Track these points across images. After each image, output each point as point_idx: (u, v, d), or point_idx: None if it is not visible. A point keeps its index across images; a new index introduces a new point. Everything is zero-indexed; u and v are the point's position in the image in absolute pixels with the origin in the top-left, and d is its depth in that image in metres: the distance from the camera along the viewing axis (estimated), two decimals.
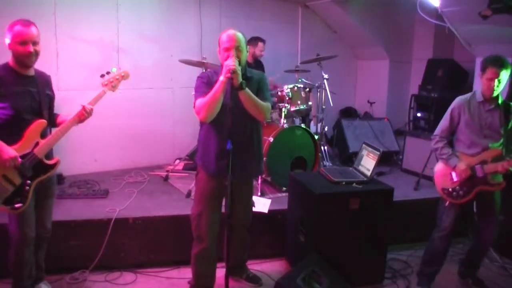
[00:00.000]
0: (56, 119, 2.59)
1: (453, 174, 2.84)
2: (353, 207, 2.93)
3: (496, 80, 2.70)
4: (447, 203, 2.86)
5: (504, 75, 2.70)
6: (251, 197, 2.92)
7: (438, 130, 2.96)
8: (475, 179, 2.77)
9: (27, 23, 2.32)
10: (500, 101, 2.82)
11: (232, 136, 2.31)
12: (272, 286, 2.87)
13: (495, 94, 2.76)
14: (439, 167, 2.97)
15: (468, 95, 2.91)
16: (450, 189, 2.85)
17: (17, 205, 2.31)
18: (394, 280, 3.16)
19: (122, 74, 2.59)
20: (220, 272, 2.80)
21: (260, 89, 2.64)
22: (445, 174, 2.89)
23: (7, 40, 2.31)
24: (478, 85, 4.55)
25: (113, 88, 2.57)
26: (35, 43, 2.33)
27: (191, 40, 4.91)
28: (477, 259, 3.09)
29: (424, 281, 3.00)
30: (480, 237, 3.01)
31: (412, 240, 3.65)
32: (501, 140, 2.82)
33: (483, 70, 2.77)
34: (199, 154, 2.71)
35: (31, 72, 2.43)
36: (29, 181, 2.35)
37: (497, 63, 2.70)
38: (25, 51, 2.29)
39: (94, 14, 4.26)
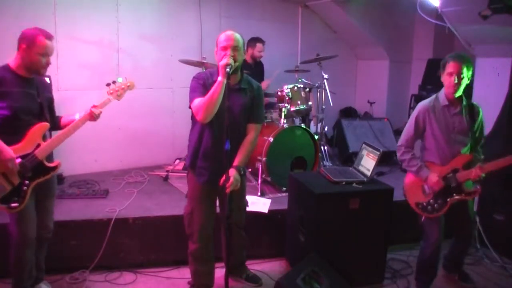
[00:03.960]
0: (60, 122, 2.60)
1: (425, 187, 2.71)
2: (353, 207, 2.93)
3: (455, 76, 2.54)
4: (423, 218, 2.72)
5: (465, 72, 2.55)
6: (244, 197, 2.90)
7: (402, 140, 2.80)
8: (450, 190, 2.65)
9: (50, 36, 2.34)
10: (464, 103, 2.68)
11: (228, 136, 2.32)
12: (272, 286, 2.86)
13: (457, 94, 2.60)
14: (409, 179, 2.83)
15: (430, 99, 2.73)
16: (424, 203, 2.71)
17: (13, 204, 2.31)
18: (394, 280, 3.16)
19: (128, 84, 2.65)
20: (220, 272, 2.81)
21: (254, 106, 2.65)
22: (417, 187, 2.75)
23: (23, 46, 2.28)
24: (478, 85, 4.62)
25: (118, 97, 2.61)
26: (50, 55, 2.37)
27: (191, 40, 4.91)
28: (461, 254, 3.08)
29: (422, 286, 2.96)
30: (458, 239, 3.00)
31: (412, 240, 3.64)
32: (469, 144, 2.69)
33: (444, 66, 2.60)
34: (188, 154, 2.72)
35: (31, 75, 2.42)
36: (27, 182, 2.36)
37: (457, 57, 2.58)
38: (43, 63, 2.32)
39: (94, 14, 4.26)
